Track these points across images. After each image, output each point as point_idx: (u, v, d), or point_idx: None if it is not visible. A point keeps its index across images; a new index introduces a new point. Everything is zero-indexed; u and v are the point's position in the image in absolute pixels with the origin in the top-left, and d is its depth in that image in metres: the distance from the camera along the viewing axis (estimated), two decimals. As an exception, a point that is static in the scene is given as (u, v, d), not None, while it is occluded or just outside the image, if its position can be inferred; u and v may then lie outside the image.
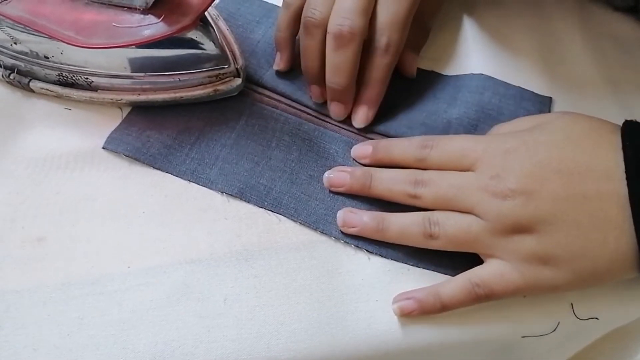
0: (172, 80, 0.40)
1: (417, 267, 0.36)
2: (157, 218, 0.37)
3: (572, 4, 0.49)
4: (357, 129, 0.41)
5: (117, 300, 0.34)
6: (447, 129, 0.41)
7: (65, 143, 0.40)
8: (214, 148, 0.40)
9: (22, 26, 0.38)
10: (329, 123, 0.42)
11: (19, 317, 0.33)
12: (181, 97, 0.40)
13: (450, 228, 0.34)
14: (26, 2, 0.38)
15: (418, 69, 0.45)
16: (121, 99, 0.41)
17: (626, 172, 0.31)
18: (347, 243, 0.36)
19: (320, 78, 0.40)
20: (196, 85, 0.40)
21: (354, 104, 0.41)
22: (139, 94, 0.40)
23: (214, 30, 0.40)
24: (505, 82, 0.43)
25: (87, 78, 0.40)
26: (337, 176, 0.38)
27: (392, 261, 0.36)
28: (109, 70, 0.40)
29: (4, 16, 0.38)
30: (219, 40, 0.40)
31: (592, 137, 0.34)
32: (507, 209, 0.33)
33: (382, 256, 0.36)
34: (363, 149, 0.39)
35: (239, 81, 0.41)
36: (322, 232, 0.37)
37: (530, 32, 0.47)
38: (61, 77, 0.41)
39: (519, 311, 0.34)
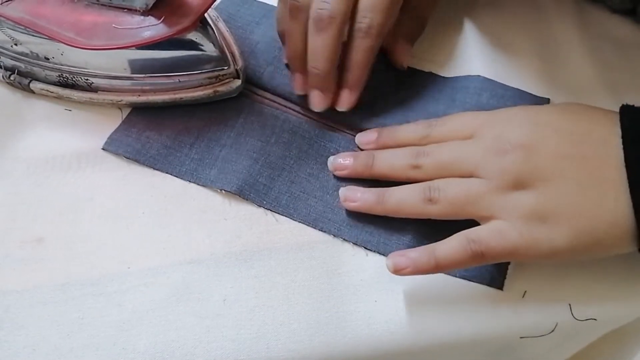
0: (171, 81, 0.40)
1: None
2: (157, 219, 0.37)
3: (571, 6, 0.49)
4: (357, 130, 0.41)
5: (117, 301, 0.34)
6: None
7: (65, 144, 0.40)
8: (213, 148, 0.40)
9: (23, 27, 0.38)
10: (329, 125, 0.42)
11: (19, 318, 0.33)
12: (181, 98, 0.41)
13: (450, 191, 0.34)
14: (26, 3, 0.38)
15: (417, 70, 0.45)
16: (121, 100, 0.41)
17: (622, 137, 0.32)
18: (346, 240, 0.37)
19: (303, 65, 0.40)
20: (196, 87, 0.41)
21: (336, 88, 0.40)
22: (139, 95, 0.41)
23: (213, 31, 0.40)
24: (504, 84, 0.43)
25: (87, 79, 0.40)
26: (341, 158, 0.39)
27: (391, 262, 0.36)
28: (109, 71, 0.40)
29: (4, 17, 0.38)
30: (219, 42, 0.40)
31: (590, 110, 0.35)
32: (508, 164, 0.33)
33: (380, 253, 0.36)
34: (368, 135, 0.40)
35: (238, 82, 0.41)
36: (321, 230, 0.37)
37: (528, 33, 0.47)
38: (61, 78, 0.41)
39: (517, 312, 0.35)
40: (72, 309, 0.34)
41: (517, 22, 0.48)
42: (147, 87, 0.40)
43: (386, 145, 0.39)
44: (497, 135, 0.34)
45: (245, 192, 0.38)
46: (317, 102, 0.40)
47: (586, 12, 0.49)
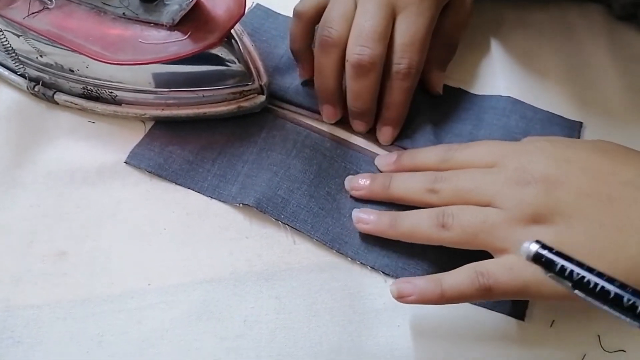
0: (195, 96, 0.40)
1: None
2: (179, 235, 0.37)
3: (602, 26, 0.49)
4: (381, 148, 0.41)
5: (137, 319, 0.34)
6: None
7: (88, 157, 0.40)
8: (236, 164, 0.39)
9: (49, 39, 0.38)
10: (352, 143, 0.41)
11: (38, 333, 0.33)
12: (204, 113, 0.40)
13: (464, 218, 0.33)
14: (53, 16, 0.38)
15: (445, 85, 0.44)
16: (145, 114, 0.41)
17: None
18: (364, 265, 0.36)
19: (334, 98, 0.40)
20: (220, 102, 0.40)
21: (377, 122, 0.41)
22: (163, 109, 0.40)
23: (238, 46, 0.40)
24: (533, 106, 0.42)
25: (111, 92, 0.40)
26: (359, 178, 0.38)
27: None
28: (134, 84, 0.40)
29: (31, 29, 0.38)
30: (244, 57, 0.40)
31: (621, 150, 0.34)
32: (528, 196, 0.32)
33: (396, 277, 0.35)
34: (387, 157, 0.40)
35: (262, 98, 0.41)
36: (338, 251, 0.36)
37: (558, 54, 0.47)
38: (86, 90, 0.41)
39: (544, 342, 0.34)
40: (91, 326, 0.34)
41: (547, 42, 0.48)
42: (171, 101, 0.40)
43: (405, 168, 0.38)
44: (520, 166, 0.33)
45: (263, 204, 0.37)
46: (360, 128, 0.41)
47: (618, 32, 0.48)
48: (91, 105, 0.41)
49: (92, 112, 0.41)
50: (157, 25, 0.37)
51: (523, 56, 0.47)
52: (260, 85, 0.41)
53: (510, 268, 0.31)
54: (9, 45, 0.40)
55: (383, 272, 0.36)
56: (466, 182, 0.34)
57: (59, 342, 0.33)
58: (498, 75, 0.45)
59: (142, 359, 0.33)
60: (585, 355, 0.33)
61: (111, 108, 0.41)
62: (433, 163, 0.37)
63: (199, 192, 0.38)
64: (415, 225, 0.35)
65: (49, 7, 0.38)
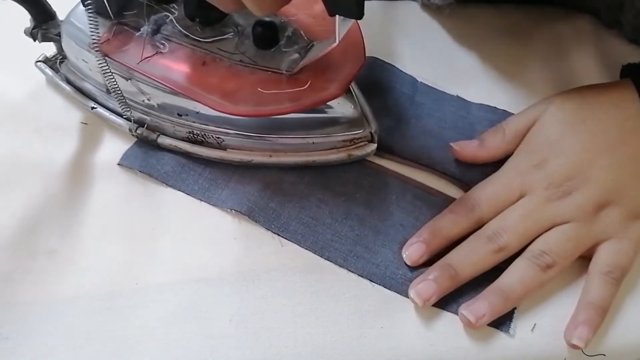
0: (305, 142, 0.38)
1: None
2: (167, 235, 0.37)
3: (589, 34, 0.49)
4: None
5: (124, 317, 0.34)
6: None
7: (81, 157, 0.41)
8: (227, 169, 0.40)
9: (160, 84, 0.37)
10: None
11: (27, 330, 0.34)
12: (314, 161, 0.39)
13: (556, 250, 0.35)
14: (167, 60, 0.37)
15: (442, 92, 0.45)
16: (251, 160, 0.39)
17: None
18: (352, 272, 0.36)
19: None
20: (329, 149, 0.39)
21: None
22: (270, 155, 0.39)
23: (354, 94, 0.39)
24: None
25: (218, 137, 0.39)
26: (424, 288, 0.35)
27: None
28: (242, 130, 0.38)
29: (145, 75, 0.37)
30: (358, 104, 0.38)
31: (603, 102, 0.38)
32: (580, 200, 0.35)
33: (385, 287, 0.36)
34: (415, 251, 0.36)
35: (373, 146, 0.39)
36: (328, 259, 0.37)
37: (546, 63, 0.47)
38: (191, 135, 0.40)
39: (526, 346, 0.34)
40: (79, 323, 0.34)
41: (534, 51, 0.48)
42: (279, 148, 0.39)
43: (438, 248, 0.36)
44: (548, 183, 0.36)
45: (255, 214, 0.38)
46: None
47: (605, 41, 0.49)
48: (195, 150, 0.40)
49: (197, 156, 0.40)
50: (275, 72, 0.36)
51: (511, 64, 0.47)
52: (371, 133, 0.39)
53: (618, 251, 0.35)
54: (117, 87, 0.38)
55: (371, 281, 0.36)
56: (521, 224, 0.36)
57: (47, 339, 0.33)
58: (487, 83, 0.46)
59: (129, 356, 0.33)
60: (565, 359, 0.34)
61: (216, 153, 0.39)
62: (465, 228, 0.36)
63: (189, 195, 0.39)
64: (520, 282, 0.34)
65: (162, 51, 0.37)
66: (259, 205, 0.38)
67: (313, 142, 0.38)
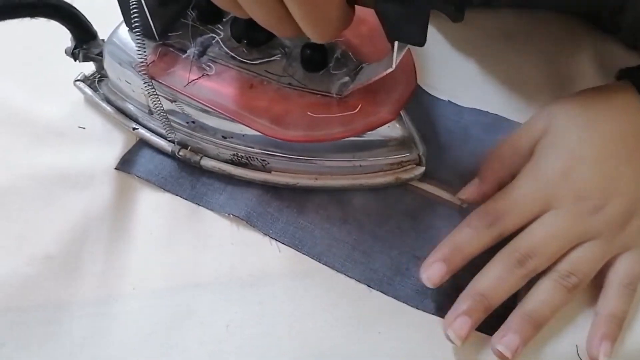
0: (352, 165, 0.38)
1: (417, 309, 0.35)
2: (165, 240, 0.37)
3: (587, 40, 0.49)
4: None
5: (121, 322, 0.34)
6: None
7: (78, 162, 0.41)
8: (224, 174, 0.40)
9: (207, 107, 0.36)
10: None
11: (22, 335, 0.33)
12: (361, 184, 0.38)
13: (580, 270, 0.34)
14: (213, 83, 0.36)
15: (434, 97, 0.45)
16: (296, 183, 0.38)
17: None
18: (349, 277, 0.36)
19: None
20: (376, 172, 0.38)
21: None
22: (316, 178, 0.38)
23: (402, 116, 0.37)
24: (519, 123, 0.42)
25: (263, 159, 0.38)
26: (460, 326, 0.33)
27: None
28: (288, 152, 0.37)
29: (192, 98, 0.36)
30: (407, 127, 0.37)
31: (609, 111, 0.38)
32: (610, 214, 0.35)
33: (382, 292, 0.36)
34: (435, 273, 0.34)
35: (421, 169, 0.38)
36: (325, 264, 0.36)
37: (543, 67, 0.47)
38: (235, 157, 0.39)
39: (522, 352, 0.34)
40: (76, 328, 0.34)
41: (532, 55, 0.48)
42: (325, 170, 0.38)
43: (460, 267, 0.34)
44: (575, 197, 0.35)
45: (253, 219, 0.38)
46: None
47: (602, 45, 0.49)
48: (240, 172, 0.39)
49: (241, 179, 0.39)
50: (325, 95, 0.35)
51: (509, 69, 0.47)
52: (419, 155, 0.38)
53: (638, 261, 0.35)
54: (162, 109, 0.38)
55: (368, 286, 0.36)
56: (550, 244, 0.34)
57: (42, 345, 0.33)
58: (483, 87, 0.46)
59: (124, 362, 0.33)
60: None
61: (261, 176, 0.39)
62: (486, 244, 0.35)
63: (187, 200, 0.39)
64: (548, 305, 0.33)
65: (209, 73, 0.36)
66: (256, 210, 0.38)
67: (360, 165, 0.38)
